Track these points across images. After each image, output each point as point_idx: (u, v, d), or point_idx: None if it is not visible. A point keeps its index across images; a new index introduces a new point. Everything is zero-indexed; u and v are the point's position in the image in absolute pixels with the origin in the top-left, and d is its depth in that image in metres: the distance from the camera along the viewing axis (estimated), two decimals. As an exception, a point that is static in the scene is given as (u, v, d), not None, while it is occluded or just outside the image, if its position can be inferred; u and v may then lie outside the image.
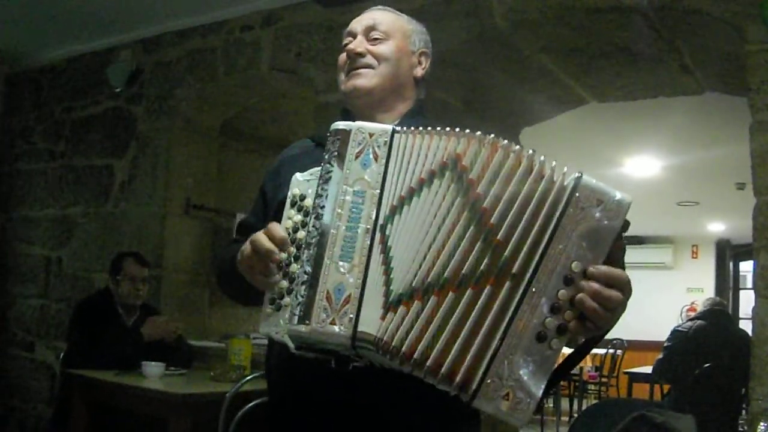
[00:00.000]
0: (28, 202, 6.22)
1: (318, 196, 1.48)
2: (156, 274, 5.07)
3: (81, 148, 5.89)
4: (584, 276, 1.30)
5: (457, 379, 1.30)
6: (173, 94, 5.37)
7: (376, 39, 1.82)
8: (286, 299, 1.48)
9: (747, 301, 11.14)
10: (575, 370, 9.79)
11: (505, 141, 1.39)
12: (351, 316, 1.38)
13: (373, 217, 1.43)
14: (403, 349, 1.34)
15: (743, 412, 5.65)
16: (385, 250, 1.40)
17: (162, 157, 5.37)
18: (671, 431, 3.34)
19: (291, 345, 1.45)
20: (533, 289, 1.30)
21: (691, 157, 7.41)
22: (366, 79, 1.79)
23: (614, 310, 1.31)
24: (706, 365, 5.43)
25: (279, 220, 1.56)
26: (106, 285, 4.56)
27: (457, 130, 1.44)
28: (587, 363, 10.14)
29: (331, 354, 1.45)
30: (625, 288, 1.33)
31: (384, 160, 1.46)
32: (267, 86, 5.21)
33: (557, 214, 1.31)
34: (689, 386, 5.50)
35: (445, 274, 1.35)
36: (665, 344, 5.94)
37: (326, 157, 1.50)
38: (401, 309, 1.36)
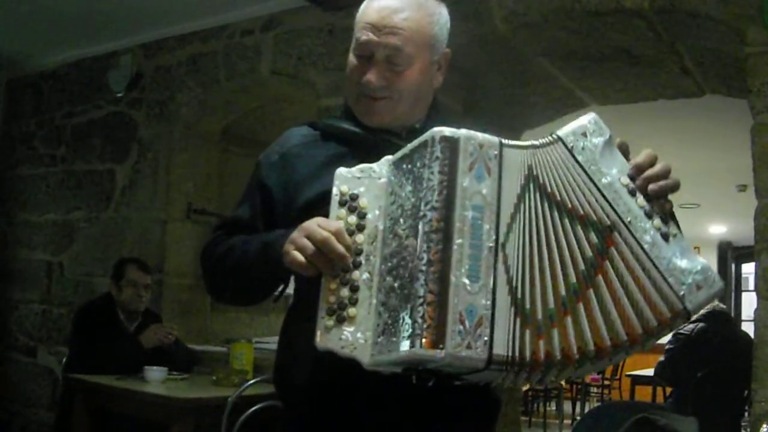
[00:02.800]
0: (30, 207, 6.22)
1: (432, 209, 1.34)
2: (157, 279, 5.06)
3: (82, 153, 5.90)
4: (632, 180, 1.44)
5: (668, 316, 1.37)
6: (174, 98, 5.37)
7: (397, 65, 1.64)
8: (351, 310, 1.40)
9: (749, 303, 11.13)
10: (577, 373, 9.78)
11: (547, 138, 1.46)
12: (485, 338, 1.29)
13: (494, 235, 1.35)
14: (571, 353, 1.34)
15: (746, 414, 5.64)
16: (507, 270, 1.34)
17: (163, 161, 5.38)
18: (674, 434, 3.34)
19: (366, 362, 1.37)
20: (628, 219, 1.40)
21: (692, 160, 7.41)
22: (386, 112, 1.68)
23: (671, 173, 1.46)
24: (708, 367, 5.43)
25: (305, 220, 1.48)
26: (108, 290, 4.54)
27: (540, 140, 1.46)
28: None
29: (425, 373, 1.36)
30: (656, 158, 1.48)
31: (497, 175, 1.38)
32: (268, 90, 5.21)
33: (578, 165, 1.43)
34: (691, 388, 5.49)
35: (573, 280, 1.37)
36: (667, 347, 5.93)
37: (429, 163, 1.38)
38: (554, 331, 1.34)
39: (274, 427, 1.85)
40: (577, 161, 1.42)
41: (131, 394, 3.72)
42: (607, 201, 1.41)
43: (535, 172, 1.40)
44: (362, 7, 1.69)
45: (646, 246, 1.39)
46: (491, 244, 1.34)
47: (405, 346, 1.31)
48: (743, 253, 12.56)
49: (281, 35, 4.85)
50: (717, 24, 3.44)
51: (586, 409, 9.74)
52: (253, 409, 3.43)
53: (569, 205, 1.40)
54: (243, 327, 5.72)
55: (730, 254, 12.93)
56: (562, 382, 9.14)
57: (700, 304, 1.39)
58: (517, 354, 1.31)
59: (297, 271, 1.47)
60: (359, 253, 1.43)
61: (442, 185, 1.35)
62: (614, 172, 1.44)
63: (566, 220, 1.39)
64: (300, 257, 1.44)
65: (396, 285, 1.38)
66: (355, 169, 1.49)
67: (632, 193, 1.43)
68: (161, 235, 5.31)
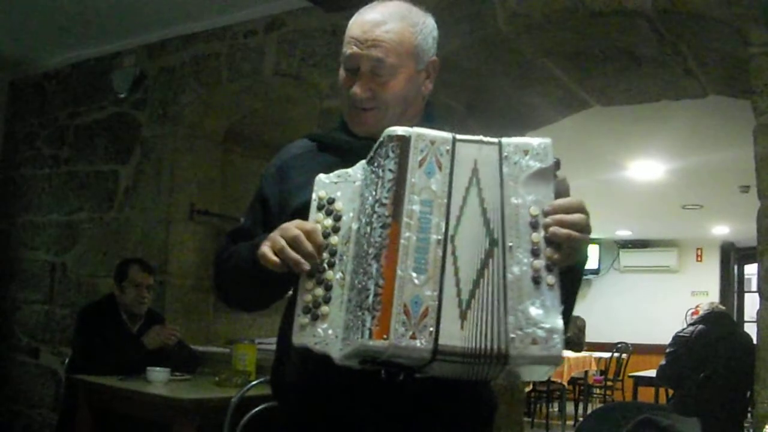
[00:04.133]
0: (33, 208, 6.23)
1: (380, 204, 1.42)
2: (160, 280, 5.07)
3: (85, 154, 5.91)
4: (545, 215, 1.42)
5: (487, 350, 1.35)
6: (177, 99, 5.38)
7: (381, 76, 1.68)
8: (324, 308, 1.45)
9: (752, 304, 11.13)
10: (580, 374, 9.80)
11: (494, 138, 1.48)
12: (431, 329, 1.34)
13: (443, 227, 1.40)
14: (471, 348, 1.36)
15: (749, 415, 5.64)
16: (455, 261, 1.39)
17: (166, 162, 5.38)
18: (676, 435, 3.34)
19: (336, 356, 1.42)
20: (510, 244, 1.40)
21: (695, 161, 7.41)
22: (375, 122, 1.70)
23: (583, 230, 1.42)
24: (709, 369, 5.43)
25: None
26: (111, 291, 4.55)
27: (484, 137, 1.47)
28: (592, 367, 10.13)
29: (385, 365, 1.41)
30: (582, 209, 1.45)
31: (448, 170, 1.43)
32: (271, 91, 5.21)
33: (499, 175, 1.44)
34: (693, 390, 5.50)
35: (479, 266, 1.39)
36: (667, 350, 5.94)
37: (383, 162, 1.45)
38: (468, 314, 1.37)
39: (276, 428, 1.87)
40: (500, 171, 1.44)
41: (134, 395, 3.73)
42: (503, 219, 1.41)
43: (477, 166, 1.45)
44: (350, 22, 1.75)
45: (509, 276, 1.38)
46: (440, 237, 1.39)
47: (356, 338, 1.37)
48: (746, 254, 12.56)
49: (284, 36, 4.85)
50: (720, 25, 3.43)
51: (589, 410, 9.74)
52: (256, 409, 3.43)
53: (485, 206, 1.43)
54: (246, 328, 5.72)
55: (732, 255, 12.93)
56: (564, 383, 9.15)
57: (523, 356, 1.35)
58: (465, 345, 1.36)
59: (267, 266, 1.52)
60: (334, 253, 1.48)
61: (392, 182, 1.42)
62: (529, 199, 1.43)
63: (481, 218, 1.42)
64: (270, 253, 1.50)
65: (356, 281, 1.43)
66: (333, 175, 1.55)
67: (533, 226, 1.41)
68: (164, 235, 5.31)
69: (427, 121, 1.76)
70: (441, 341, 1.34)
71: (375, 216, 1.43)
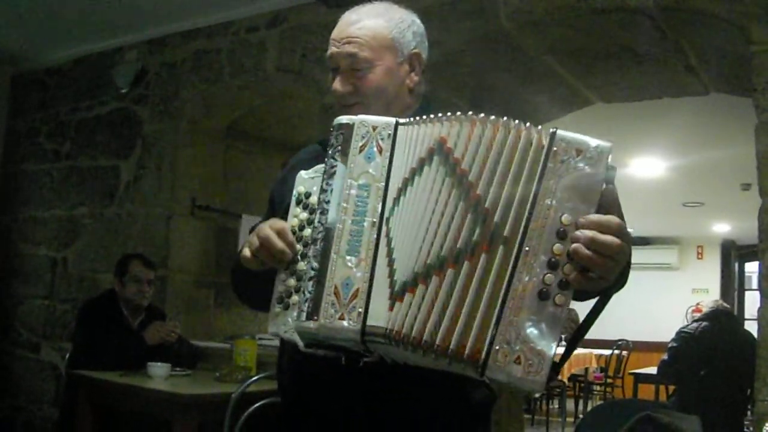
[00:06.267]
0: (34, 203, 6.23)
1: (323, 191, 1.47)
2: (161, 275, 5.07)
3: (86, 149, 5.91)
4: (576, 228, 1.28)
5: (466, 352, 1.29)
6: (179, 95, 5.38)
7: (358, 70, 1.73)
8: (294, 297, 1.47)
9: (752, 302, 11.14)
10: (581, 371, 9.80)
11: (483, 115, 1.39)
12: (360, 310, 1.37)
13: (379, 210, 1.42)
14: (413, 334, 1.33)
15: (749, 412, 5.64)
16: (389, 243, 1.40)
17: (167, 158, 5.38)
18: (677, 432, 3.35)
19: (300, 343, 1.45)
20: (526, 248, 1.28)
21: (696, 158, 7.41)
22: None
23: (613, 256, 1.29)
24: (711, 366, 5.43)
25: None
26: (112, 286, 4.56)
27: (448, 114, 1.43)
28: (593, 364, 10.13)
29: (340, 350, 1.44)
30: (620, 232, 1.30)
31: (388, 153, 1.45)
32: (272, 87, 5.21)
33: (538, 170, 1.31)
34: (694, 387, 5.50)
35: (443, 253, 1.34)
36: (670, 345, 5.93)
37: (330, 152, 1.49)
38: (407, 296, 1.36)
39: (275, 422, 1.89)
40: (544, 163, 1.31)
41: (135, 390, 3.73)
42: (528, 217, 1.30)
43: (449, 144, 1.40)
44: None
45: (514, 283, 1.28)
46: (375, 220, 1.41)
47: (295, 321, 1.42)
48: (747, 252, 12.57)
49: (286, 32, 4.85)
50: (722, 22, 3.43)
51: (589, 408, 9.74)
52: (257, 405, 3.43)
53: (470, 181, 1.35)
54: (246, 323, 5.73)
55: (733, 253, 12.94)
56: (565, 380, 9.15)
57: (501, 371, 1.25)
58: (391, 327, 1.36)
59: (246, 265, 1.58)
60: (306, 245, 1.50)
61: (333, 168, 1.47)
62: (565, 205, 1.29)
63: (455, 193, 1.36)
64: (246, 253, 1.56)
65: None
66: (312, 171, 1.58)
67: (560, 235, 1.28)
68: (165, 231, 5.31)
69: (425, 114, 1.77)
70: (369, 322, 1.37)
71: (320, 203, 1.47)
